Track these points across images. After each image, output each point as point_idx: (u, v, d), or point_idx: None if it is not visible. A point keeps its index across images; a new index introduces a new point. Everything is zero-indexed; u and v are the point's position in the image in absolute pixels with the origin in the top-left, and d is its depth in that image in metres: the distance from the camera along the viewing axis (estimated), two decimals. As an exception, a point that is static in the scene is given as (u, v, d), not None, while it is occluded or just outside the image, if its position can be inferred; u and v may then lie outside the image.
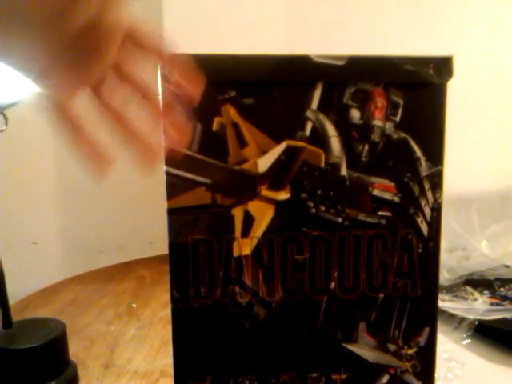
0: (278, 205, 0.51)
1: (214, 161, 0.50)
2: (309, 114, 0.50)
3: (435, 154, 0.52)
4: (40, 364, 0.61)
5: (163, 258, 1.19)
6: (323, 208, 0.52)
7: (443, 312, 0.77)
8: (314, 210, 0.52)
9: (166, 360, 0.70)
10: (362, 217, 0.52)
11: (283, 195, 0.51)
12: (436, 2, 1.12)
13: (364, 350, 0.54)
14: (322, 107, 0.50)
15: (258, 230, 0.51)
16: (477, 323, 0.73)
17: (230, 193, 0.51)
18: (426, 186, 0.52)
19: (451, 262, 0.93)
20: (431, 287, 0.54)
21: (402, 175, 0.52)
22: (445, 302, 0.79)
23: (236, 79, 0.49)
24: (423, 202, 0.52)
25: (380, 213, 0.52)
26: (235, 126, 0.50)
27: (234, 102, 0.49)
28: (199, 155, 0.50)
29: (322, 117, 0.50)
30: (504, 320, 0.74)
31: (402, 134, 0.51)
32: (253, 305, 0.52)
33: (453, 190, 1.12)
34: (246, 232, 0.51)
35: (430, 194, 0.52)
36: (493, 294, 0.83)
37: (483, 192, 1.09)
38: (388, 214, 0.52)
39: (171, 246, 0.54)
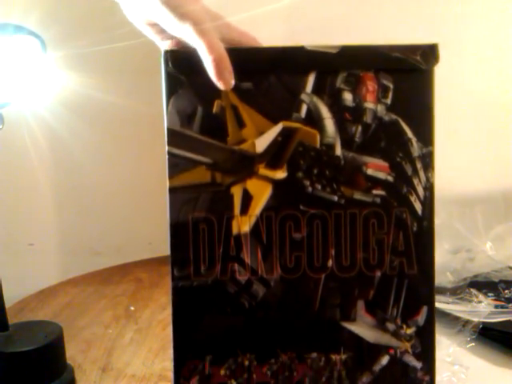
0: (276, 183, 0.53)
1: (214, 141, 0.53)
2: (304, 97, 0.53)
3: (426, 136, 0.54)
4: (37, 367, 0.61)
5: (162, 260, 1.19)
6: (319, 186, 0.53)
7: (447, 315, 0.76)
8: (310, 189, 0.53)
9: (165, 364, 0.70)
10: (357, 195, 0.54)
11: (280, 174, 0.53)
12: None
13: (363, 329, 0.54)
14: (316, 91, 0.53)
15: (257, 207, 0.53)
16: (481, 326, 0.72)
17: (230, 171, 0.53)
18: (418, 165, 0.54)
19: (455, 264, 0.93)
20: (428, 266, 0.55)
21: (394, 155, 0.53)
22: (449, 305, 0.79)
23: (236, 69, 0.51)
24: (416, 181, 0.54)
25: (374, 191, 0.54)
26: (234, 108, 0.53)
27: (233, 86, 0.52)
28: (200, 136, 0.53)
29: (316, 99, 0.53)
30: (509, 322, 0.73)
31: (394, 116, 0.53)
32: (252, 283, 0.54)
33: (457, 191, 1.13)
34: (244, 210, 0.53)
35: (422, 174, 0.54)
36: (497, 297, 0.82)
37: (487, 193, 1.09)
38: (382, 192, 0.54)
39: (172, 224, 0.55)
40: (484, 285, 0.87)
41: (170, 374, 0.52)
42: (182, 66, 0.52)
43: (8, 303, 0.67)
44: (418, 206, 0.54)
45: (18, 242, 1.18)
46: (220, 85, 0.50)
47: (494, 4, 1.16)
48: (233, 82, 0.50)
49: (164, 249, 1.19)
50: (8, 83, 0.64)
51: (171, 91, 0.52)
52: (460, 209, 1.00)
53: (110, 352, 0.74)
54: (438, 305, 0.79)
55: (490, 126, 1.16)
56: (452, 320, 0.75)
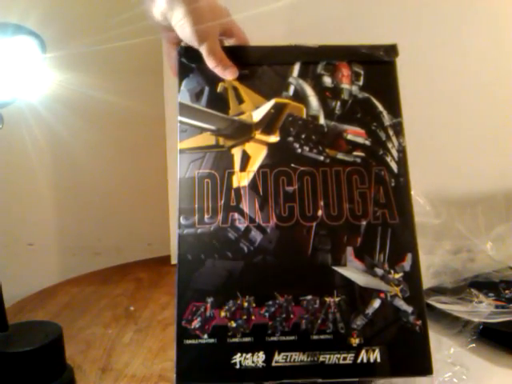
0: (270, 146, 0.63)
1: (218, 113, 0.64)
2: (291, 79, 0.65)
3: (394, 109, 0.64)
4: (36, 367, 0.61)
5: (161, 260, 1.19)
6: (307, 149, 0.63)
7: (448, 315, 0.76)
8: (299, 150, 0.63)
9: (165, 364, 0.70)
10: (340, 156, 0.63)
11: (273, 138, 0.63)
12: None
13: (353, 273, 0.60)
14: (301, 75, 0.65)
15: (254, 165, 0.62)
16: (481, 327, 0.72)
17: (231, 137, 0.63)
18: (391, 132, 0.64)
19: (456, 264, 0.93)
20: (408, 216, 0.62)
21: (369, 124, 0.64)
22: (449, 305, 0.78)
23: (236, 62, 0.64)
24: (390, 145, 0.63)
25: (355, 153, 0.63)
26: (234, 88, 0.65)
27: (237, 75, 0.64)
28: (206, 109, 0.64)
29: (301, 82, 0.65)
30: (509, 323, 0.72)
31: (366, 94, 0.65)
32: (250, 229, 0.60)
33: (458, 191, 1.12)
34: (243, 167, 0.62)
35: (394, 139, 0.63)
36: (498, 297, 0.82)
37: (488, 193, 1.08)
38: (362, 154, 0.63)
39: (181, 179, 0.62)
40: (484, 285, 0.87)
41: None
42: (192, 57, 0.64)
43: (8, 303, 0.67)
44: (394, 166, 0.63)
45: (17, 242, 1.18)
46: (226, 77, 0.64)
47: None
48: (237, 73, 0.64)
49: (163, 249, 1.19)
50: (8, 83, 0.64)
51: (183, 76, 0.65)
52: (461, 209, 1.00)
53: (109, 352, 0.74)
54: (438, 305, 0.79)
55: (492, 126, 1.16)
56: (452, 320, 0.75)
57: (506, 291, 0.84)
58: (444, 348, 0.68)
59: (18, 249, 1.17)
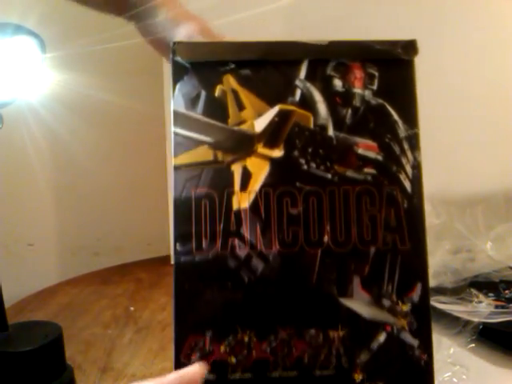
0: (273, 161, 0.56)
1: (216, 122, 0.57)
2: (298, 82, 0.58)
3: (411, 118, 0.58)
4: (36, 367, 0.61)
5: (161, 260, 1.19)
6: (314, 165, 0.56)
7: (447, 315, 0.76)
8: (305, 167, 0.56)
9: (164, 364, 0.70)
10: (349, 173, 0.56)
11: (277, 152, 0.57)
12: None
13: (359, 305, 0.56)
14: (308, 77, 0.58)
15: (255, 184, 0.56)
16: (481, 327, 0.72)
17: (230, 150, 0.56)
18: (406, 146, 0.57)
19: (456, 264, 0.92)
20: (420, 242, 0.57)
21: (383, 136, 0.57)
22: (449, 305, 0.78)
23: (236, 59, 0.58)
24: (404, 161, 0.57)
25: (366, 170, 0.56)
26: (234, 92, 0.58)
27: (233, 72, 0.58)
28: (203, 117, 0.57)
29: (309, 85, 0.58)
30: (509, 323, 0.72)
31: (380, 101, 0.58)
32: (251, 257, 0.55)
33: (458, 191, 1.12)
34: (244, 186, 0.56)
35: (409, 154, 0.57)
36: (498, 297, 0.82)
37: (488, 193, 1.08)
38: (373, 171, 0.56)
39: (176, 200, 0.56)
40: (484, 285, 0.87)
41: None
42: (187, 55, 0.58)
43: (8, 303, 0.67)
44: (408, 184, 0.57)
45: (17, 243, 1.17)
46: None
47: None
48: None
49: (163, 249, 1.19)
50: (7, 83, 0.64)
51: (177, 78, 0.58)
52: (461, 209, 1.00)
53: (109, 352, 0.74)
54: (438, 305, 0.79)
55: (492, 126, 1.16)
56: (452, 320, 0.74)
57: (506, 291, 0.84)
58: (444, 348, 0.68)
59: (18, 249, 1.17)
